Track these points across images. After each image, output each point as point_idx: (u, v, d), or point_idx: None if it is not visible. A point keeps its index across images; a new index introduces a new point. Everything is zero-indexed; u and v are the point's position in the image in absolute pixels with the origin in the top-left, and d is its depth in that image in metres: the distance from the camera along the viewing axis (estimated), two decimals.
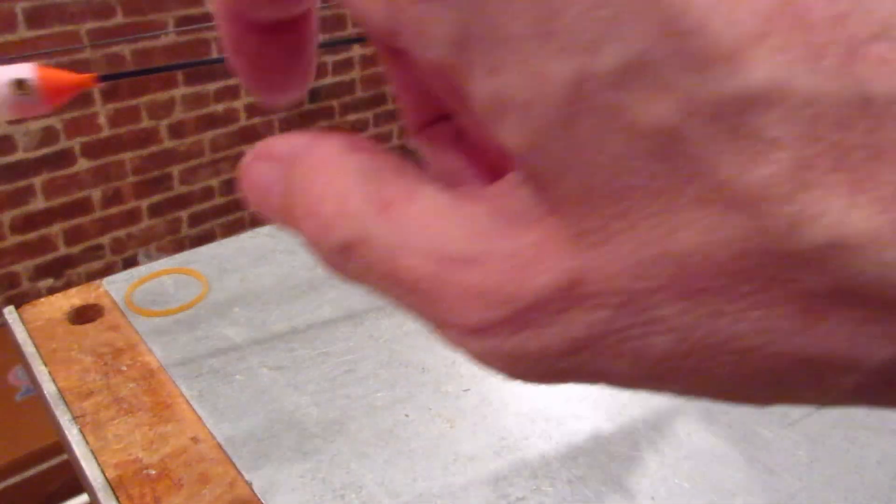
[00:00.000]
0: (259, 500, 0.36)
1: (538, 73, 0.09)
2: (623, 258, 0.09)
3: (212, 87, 1.88)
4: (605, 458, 0.39)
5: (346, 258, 0.11)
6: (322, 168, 0.12)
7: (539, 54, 0.09)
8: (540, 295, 0.10)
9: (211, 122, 1.95)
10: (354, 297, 0.52)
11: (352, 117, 2.30)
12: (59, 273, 1.81)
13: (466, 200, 0.11)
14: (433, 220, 0.11)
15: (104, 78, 0.26)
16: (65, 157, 1.74)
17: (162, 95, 1.84)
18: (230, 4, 0.14)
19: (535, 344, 0.10)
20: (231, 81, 1.91)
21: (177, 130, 1.90)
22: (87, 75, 0.25)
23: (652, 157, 0.08)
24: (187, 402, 0.42)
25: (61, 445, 0.42)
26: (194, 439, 0.39)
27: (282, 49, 0.15)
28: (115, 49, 1.73)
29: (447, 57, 0.10)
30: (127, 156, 1.83)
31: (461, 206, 0.11)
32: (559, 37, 0.09)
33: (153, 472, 0.37)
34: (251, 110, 2.01)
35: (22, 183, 1.71)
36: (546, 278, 0.10)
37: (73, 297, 0.51)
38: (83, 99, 1.72)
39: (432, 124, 0.15)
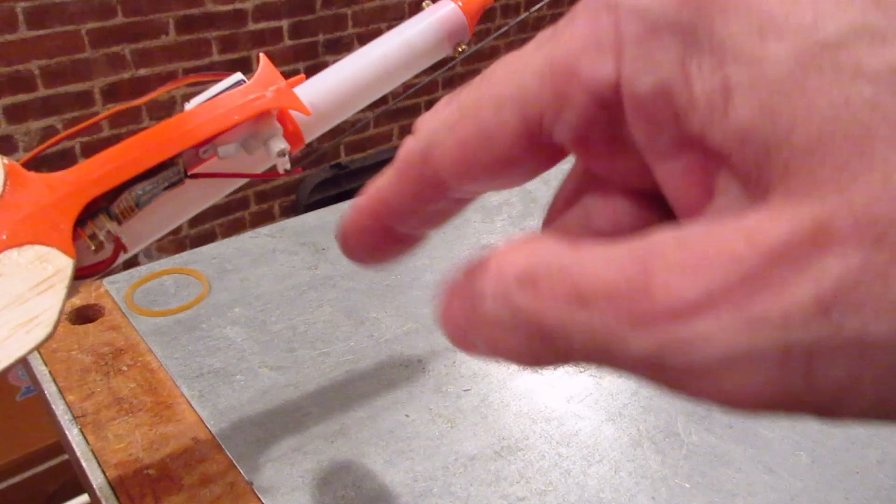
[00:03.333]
0: (259, 500, 0.36)
1: (759, 57, 0.10)
2: (872, 191, 0.09)
3: None
4: (606, 458, 0.39)
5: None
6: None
7: (758, 43, 0.10)
8: (776, 247, 0.09)
9: None
10: (354, 296, 0.52)
11: (351, 117, 2.29)
12: None
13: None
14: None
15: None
16: (65, 157, 1.74)
17: (162, 95, 1.83)
18: (375, 208, 0.15)
19: (775, 307, 0.09)
20: None
21: None
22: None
23: (887, 93, 0.09)
24: (188, 402, 0.42)
25: (62, 445, 0.42)
26: (195, 439, 0.39)
27: (396, 246, 0.17)
28: (114, 49, 1.73)
29: (669, 75, 0.11)
30: None
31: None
32: (777, 27, 0.10)
33: (153, 472, 0.37)
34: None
35: None
36: (784, 228, 0.09)
37: (74, 297, 0.51)
38: (83, 98, 1.72)
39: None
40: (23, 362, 0.47)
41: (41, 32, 1.61)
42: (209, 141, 0.24)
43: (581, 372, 0.45)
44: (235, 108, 0.24)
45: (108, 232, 0.24)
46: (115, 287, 0.52)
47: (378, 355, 0.46)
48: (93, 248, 0.24)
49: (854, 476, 0.37)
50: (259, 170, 0.27)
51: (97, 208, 0.24)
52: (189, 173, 0.25)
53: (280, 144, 0.25)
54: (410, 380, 0.44)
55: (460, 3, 0.27)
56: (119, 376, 0.44)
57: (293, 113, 0.25)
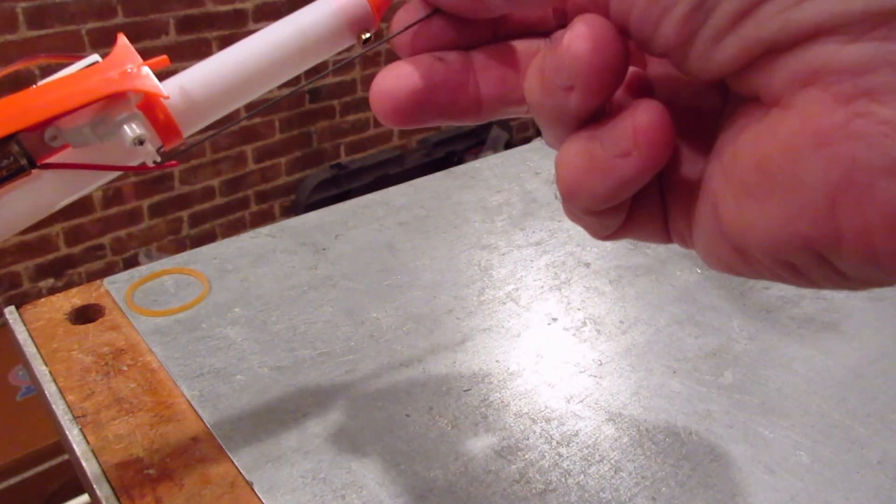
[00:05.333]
0: (259, 499, 0.36)
1: None
2: None
3: None
4: (606, 458, 0.39)
5: None
6: None
7: None
8: None
9: None
10: (354, 296, 0.52)
11: (352, 117, 2.30)
12: (60, 273, 1.81)
13: None
14: None
15: None
16: None
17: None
18: None
19: None
20: None
21: None
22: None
23: None
24: (188, 402, 0.42)
25: (62, 445, 0.42)
26: (195, 439, 0.40)
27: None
28: None
29: None
30: None
31: None
32: None
33: (153, 472, 0.37)
34: (251, 109, 2.01)
35: None
36: None
37: (74, 297, 0.51)
38: None
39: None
40: (23, 363, 0.47)
41: (41, 32, 1.61)
42: (46, 124, 0.23)
43: (581, 373, 0.45)
44: (79, 88, 0.22)
45: None
46: (115, 287, 0.52)
47: (378, 355, 0.46)
48: None
49: (854, 476, 0.38)
50: (134, 162, 0.25)
51: None
52: (39, 163, 0.23)
53: (135, 131, 0.22)
54: (410, 380, 0.44)
55: None
56: (119, 376, 0.44)
57: (166, 102, 0.23)
